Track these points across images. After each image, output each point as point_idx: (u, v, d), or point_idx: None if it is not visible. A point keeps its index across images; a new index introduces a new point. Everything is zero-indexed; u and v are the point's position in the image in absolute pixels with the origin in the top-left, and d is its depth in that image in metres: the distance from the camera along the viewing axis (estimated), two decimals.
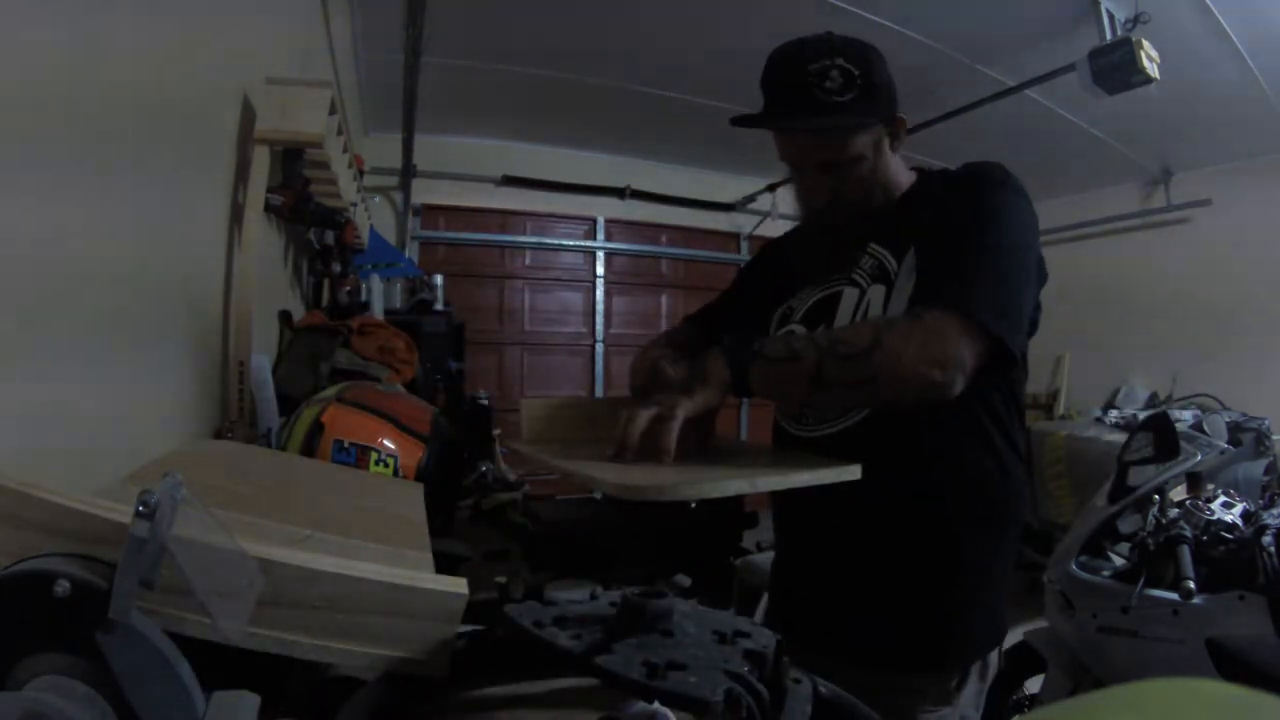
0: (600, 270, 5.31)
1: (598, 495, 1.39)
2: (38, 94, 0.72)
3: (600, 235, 5.30)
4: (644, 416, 0.82)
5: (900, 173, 1.05)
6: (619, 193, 5.13)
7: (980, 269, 0.87)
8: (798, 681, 0.51)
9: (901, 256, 0.97)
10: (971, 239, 0.90)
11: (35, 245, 0.73)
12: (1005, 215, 0.92)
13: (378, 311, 2.94)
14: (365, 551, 0.70)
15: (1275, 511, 1.52)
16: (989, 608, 1.01)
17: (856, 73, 0.94)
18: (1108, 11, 2.75)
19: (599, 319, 5.29)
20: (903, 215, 1.01)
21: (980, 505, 0.99)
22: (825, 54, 0.94)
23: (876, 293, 0.98)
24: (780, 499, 1.14)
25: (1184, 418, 2.29)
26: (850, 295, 1.01)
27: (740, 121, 1.00)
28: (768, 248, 1.29)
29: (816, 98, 0.93)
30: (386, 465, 1.17)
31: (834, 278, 1.06)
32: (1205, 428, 2.07)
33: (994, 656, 1.03)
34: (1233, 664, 1.40)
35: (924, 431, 0.96)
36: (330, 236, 2.34)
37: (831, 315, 1.03)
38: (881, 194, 1.02)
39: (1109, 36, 2.72)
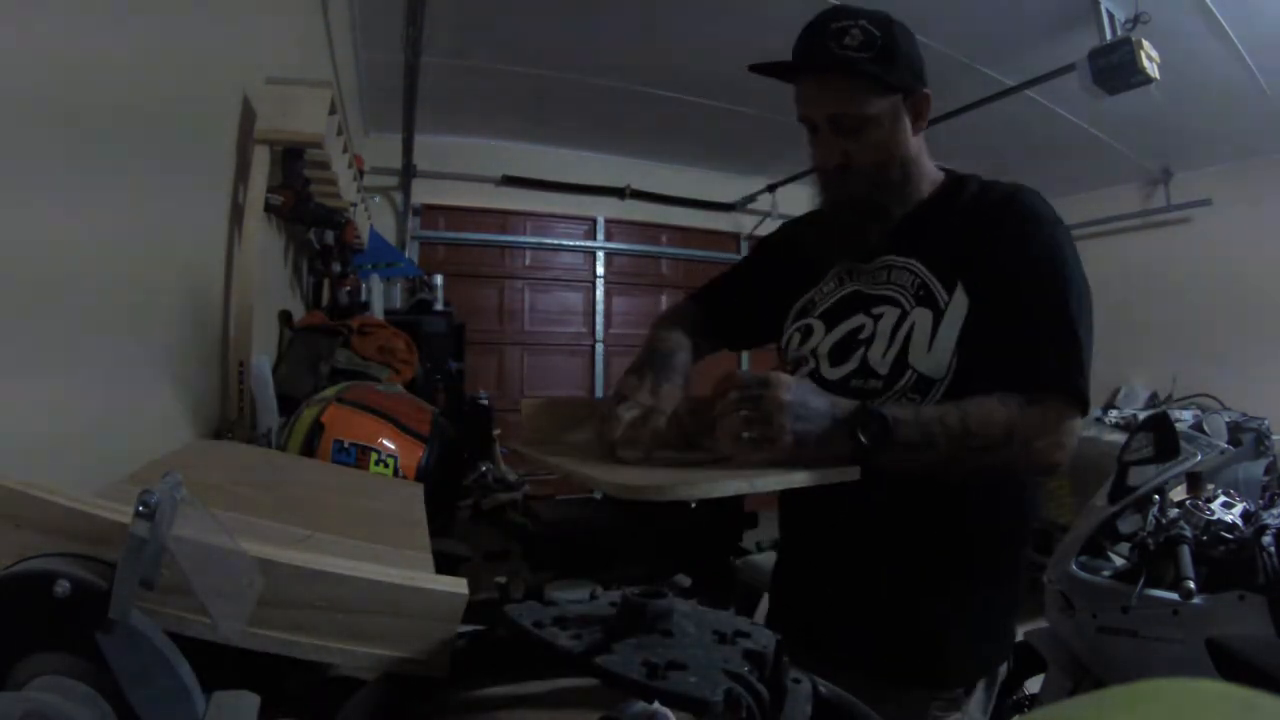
0: (600, 270, 5.31)
1: (598, 495, 1.39)
2: (37, 94, 0.72)
3: (600, 235, 5.30)
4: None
5: (924, 160, 1.04)
6: (619, 193, 5.13)
7: (1073, 341, 0.92)
8: (798, 681, 0.51)
9: (949, 286, 0.97)
10: (1058, 309, 0.93)
11: (35, 246, 0.73)
12: (1072, 268, 0.95)
13: (378, 311, 2.93)
14: (365, 551, 0.70)
15: (1275, 511, 1.52)
16: (1001, 627, 1.03)
17: (877, 34, 0.95)
18: (1108, 11, 2.75)
19: (599, 319, 5.29)
20: (936, 225, 1.01)
21: (999, 517, 1.00)
22: (848, 17, 0.96)
23: (922, 316, 0.97)
24: (792, 510, 1.14)
25: (1184, 418, 2.29)
26: (891, 314, 1.00)
27: (759, 68, 1.00)
28: (782, 230, 1.27)
29: (832, 51, 0.95)
30: (386, 465, 1.17)
31: (858, 272, 1.05)
32: (1205, 428, 2.07)
33: (1003, 668, 1.04)
34: (1233, 664, 1.40)
35: None
36: (330, 236, 2.33)
37: (860, 320, 1.02)
38: (900, 172, 1.01)
39: (1109, 36, 2.72)
